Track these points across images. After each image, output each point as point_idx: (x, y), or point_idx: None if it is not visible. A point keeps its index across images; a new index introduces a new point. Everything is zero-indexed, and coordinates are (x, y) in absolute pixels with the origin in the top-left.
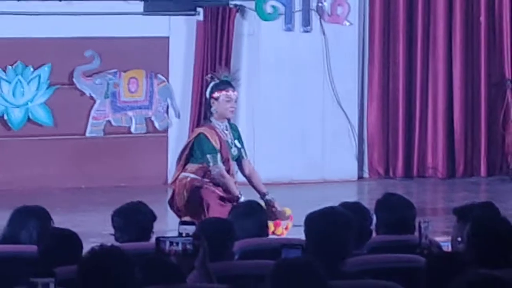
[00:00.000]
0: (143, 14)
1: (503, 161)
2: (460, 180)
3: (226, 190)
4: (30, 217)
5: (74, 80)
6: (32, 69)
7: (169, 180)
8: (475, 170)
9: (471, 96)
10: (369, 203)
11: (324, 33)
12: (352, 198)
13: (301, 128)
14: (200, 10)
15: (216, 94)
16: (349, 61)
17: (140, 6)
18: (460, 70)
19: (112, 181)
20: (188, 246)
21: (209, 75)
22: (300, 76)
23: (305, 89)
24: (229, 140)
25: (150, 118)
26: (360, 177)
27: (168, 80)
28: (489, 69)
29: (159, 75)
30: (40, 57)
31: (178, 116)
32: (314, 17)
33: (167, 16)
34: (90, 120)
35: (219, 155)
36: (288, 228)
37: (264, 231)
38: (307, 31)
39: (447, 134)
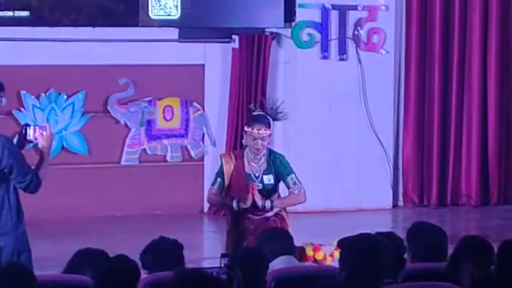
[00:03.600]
0: (178, 42)
1: None
2: (493, 208)
3: (222, 206)
4: (91, 260)
5: (108, 108)
6: (65, 97)
7: (205, 209)
8: (508, 199)
9: (506, 125)
10: (403, 231)
11: (360, 62)
12: (387, 226)
13: (337, 156)
14: (235, 37)
15: (245, 128)
16: (385, 89)
17: (175, 33)
18: (495, 100)
19: (148, 209)
20: (223, 276)
21: (251, 105)
22: (336, 104)
23: (340, 117)
24: (254, 174)
25: (185, 146)
26: (395, 205)
27: (203, 108)
28: None
29: (195, 103)
30: (74, 84)
31: (214, 144)
32: (350, 45)
33: (203, 44)
34: (125, 148)
35: (219, 180)
36: (334, 256)
37: (290, 252)
38: (343, 59)
39: (481, 163)
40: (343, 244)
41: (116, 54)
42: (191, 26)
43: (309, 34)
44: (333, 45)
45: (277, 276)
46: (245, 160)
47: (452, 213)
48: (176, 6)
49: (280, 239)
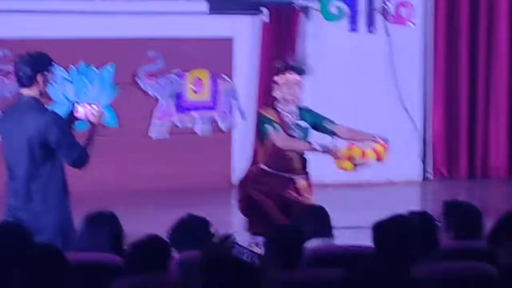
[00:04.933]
0: (208, 14)
1: None
2: None
3: (299, 151)
4: (104, 224)
5: (137, 80)
6: (95, 70)
7: (233, 180)
8: None
9: None
10: (432, 205)
11: (388, 34)
12: (416, 199)
13: (366, 129)
14: (264, 10)
15: (276, 78)
16: (413, 62)
17: (204, 6)
18: None
19: (177, 182)
20: (254, 260)
21: (279, 63)
22: (365, 77)
23: (369, 90)
24: (292, 122)
25: (214, 118)
26: (425, 178)
27: (232, 81)
28: None
29: (224, 76)
30: (103, 57)
31: (243, 117)
32: (378, 18)
33: (232, 17)
34: (154, 120)
35: (278, 125)
36: (378, 151)
37: (325, 233)
38: (371, 32)
39: (510, 135)
40: (376, 228)
41: (145, 27)
42: None
43: (338, 7)
44: (361, 18)
45: (312, 255)
46: (278, 110)
47: (481, 186)
48: None
49: (316, 218)
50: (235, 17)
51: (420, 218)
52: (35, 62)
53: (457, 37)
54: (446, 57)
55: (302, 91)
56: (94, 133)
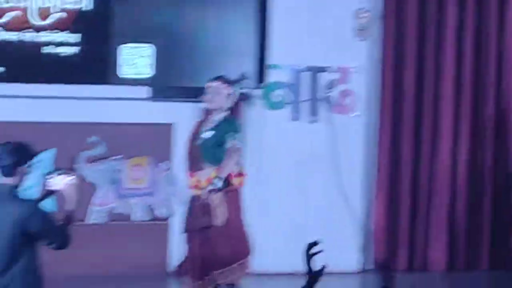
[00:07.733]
0: (148, 100)
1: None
2: (462, 274)
3: None
4: None
5: (77, 166)
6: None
7: (169, 268)
8: (477, 264)
9: (475, 189)
10: None
11: (331, 123)
12: None
13: (305, 218)
14: None
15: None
16: (356, 152)
17: (145, 92)
18: (466, 164)
19: (114, 269)
20: None
21: None
22: (306, 166)
23: (310, 179)
24: (200, 132)
25: (152, 205)
26: (364, 269)
27: (171, 168)
28: (495, 161)
29: (163, 163)
30: (44, 142)
31: (180, 204)
32: (321, 107)
33: (172, 103)
34: (93, 206)
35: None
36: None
37: None
38: (314, 121)
39: (450, 228)
40: None
41: (87, 112)
42: (161, 85)
43: (280, 95)
44: (304, 107)
45: None
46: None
47: (420, 279)
48: (147, 65)
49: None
50: (175, 103)
51: None
52: (20, 153)
53: (401, 127)
54: (390, 146)
55: (223, 100)
56: (72, 214)
